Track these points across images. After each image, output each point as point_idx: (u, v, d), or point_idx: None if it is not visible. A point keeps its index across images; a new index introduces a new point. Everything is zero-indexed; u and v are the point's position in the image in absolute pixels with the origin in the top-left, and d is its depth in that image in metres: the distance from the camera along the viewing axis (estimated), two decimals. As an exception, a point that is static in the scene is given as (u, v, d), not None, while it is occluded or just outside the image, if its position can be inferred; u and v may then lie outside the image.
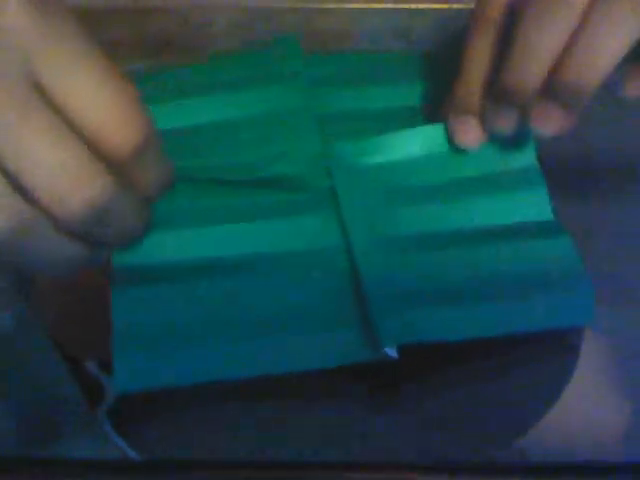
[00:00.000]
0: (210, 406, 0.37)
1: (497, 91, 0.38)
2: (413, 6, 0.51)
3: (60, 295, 0.40)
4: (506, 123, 0.39)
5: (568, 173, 0.41)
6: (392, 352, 0.35)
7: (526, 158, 0.41)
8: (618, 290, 0.38)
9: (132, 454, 0.36)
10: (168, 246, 0.37)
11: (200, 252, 0.37)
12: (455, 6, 0.51)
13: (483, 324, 0.36)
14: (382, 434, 0.36)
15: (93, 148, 0.28)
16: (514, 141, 0.41)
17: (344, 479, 0.34)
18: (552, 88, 0.36)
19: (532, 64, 0.36)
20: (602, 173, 0.45)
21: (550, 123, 0.37)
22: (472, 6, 0.43)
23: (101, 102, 0.28)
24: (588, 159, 0.43)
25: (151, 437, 0.36)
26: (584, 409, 0.38)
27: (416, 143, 0.41)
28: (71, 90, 0.28)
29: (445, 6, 0.51)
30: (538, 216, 0.39)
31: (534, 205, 0.39)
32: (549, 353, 0.38)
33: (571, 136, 0.40)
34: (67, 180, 0.27)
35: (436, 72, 0.45)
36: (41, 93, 0.27)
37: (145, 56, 0.51)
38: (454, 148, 0.40)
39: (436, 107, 0.42)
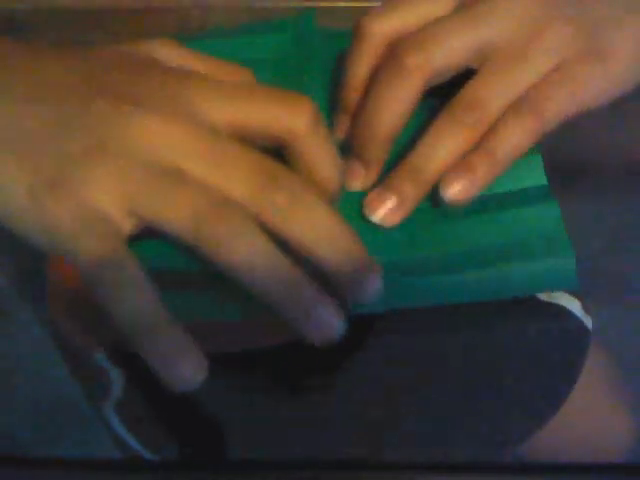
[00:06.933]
0: (217, 405, 0.37)
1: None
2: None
3: (69, 285, 0.40)
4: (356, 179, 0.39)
5: (568, 172, 0.41)
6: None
7: None
8: (617, 289, 0.38)
9: (138, 448, 0.36)
10: None
11: None
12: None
13: (465, 291, 0.36)
14: (382, 434, 0.36)
15: None
16: None
17: (342, 478, 0.34)
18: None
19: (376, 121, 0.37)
20: (602, 172, 0.45)
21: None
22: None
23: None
24: (588, 158, 0.43)
25: (157, 434, 0.36)
26: (584, 409, 0.38)
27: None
28: None
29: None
30: (532, 182, 0.39)
31: (528, 171, 0.39)
32: (552, 353, 0.38)
33: (571, 135, 0.40)
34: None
35: None
36: None
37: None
38: None
39: None
